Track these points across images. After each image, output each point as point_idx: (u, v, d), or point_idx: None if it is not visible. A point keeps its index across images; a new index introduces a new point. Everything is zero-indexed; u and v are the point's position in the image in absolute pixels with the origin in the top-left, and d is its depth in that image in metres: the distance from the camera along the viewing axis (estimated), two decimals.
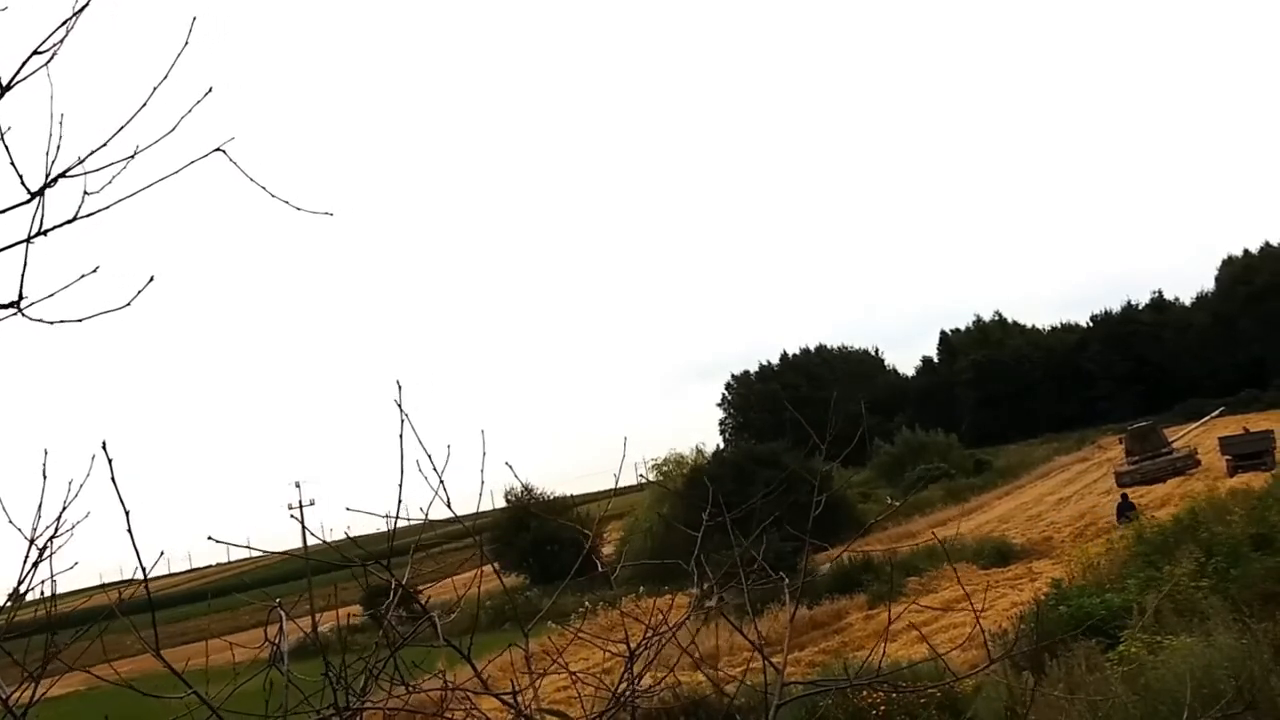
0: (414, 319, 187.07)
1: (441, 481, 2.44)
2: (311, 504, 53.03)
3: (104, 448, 2.10)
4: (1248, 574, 15.99)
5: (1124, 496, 35.53)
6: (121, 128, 1.95)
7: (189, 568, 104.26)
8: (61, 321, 2.00)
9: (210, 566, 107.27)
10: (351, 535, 2.62)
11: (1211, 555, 17.75)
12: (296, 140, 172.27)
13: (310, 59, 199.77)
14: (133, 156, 1.97)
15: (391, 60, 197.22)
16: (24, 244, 1.96)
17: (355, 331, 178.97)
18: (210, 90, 2.00)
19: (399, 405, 2.36)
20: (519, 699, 2.60)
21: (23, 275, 1.95)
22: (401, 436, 2.36)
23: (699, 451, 58.29)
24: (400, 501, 2.39)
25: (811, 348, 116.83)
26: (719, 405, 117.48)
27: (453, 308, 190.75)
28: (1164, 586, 15.63)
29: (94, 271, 1.99)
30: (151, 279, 2.06)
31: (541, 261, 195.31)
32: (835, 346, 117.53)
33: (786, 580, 3.01)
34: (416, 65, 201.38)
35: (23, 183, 1.95)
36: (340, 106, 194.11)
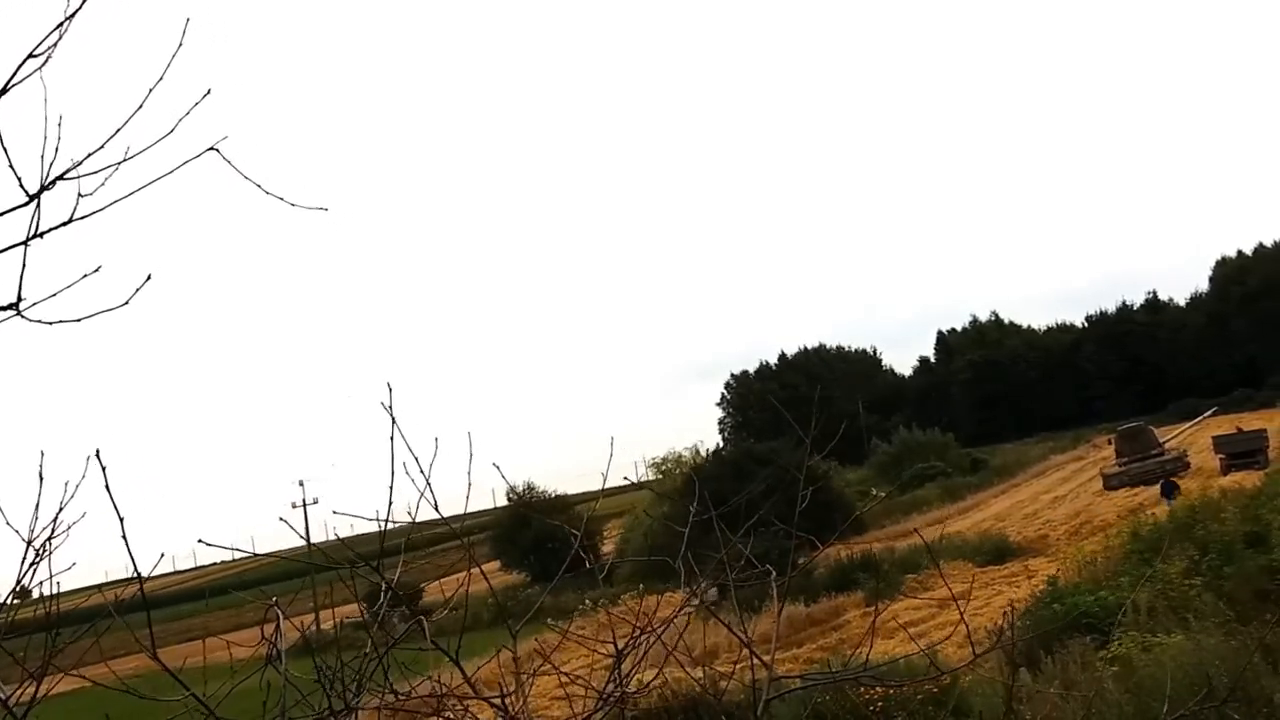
0: (418, 319, 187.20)
1: (428, 484, 2.47)
2: (315, 502, 52.95)
3: (97, 456, 2.09)
4: (1241, 571, 16.07)
5: (1167, 478, 37.33)
6: (119, 129, 1.97)
7: (193, 565, 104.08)
8: (60, 322, 2.01)
9: (214, 564, 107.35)
10: (348, 535, 2.64)
11: (1206, 553, 17.82)
12: (290, 140, 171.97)
13: (304, 55, 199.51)
14: (124, 159, 1.99)
15: (387, 56, 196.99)
16: (22, 246, 1.97)
17: (360, 329, 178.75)
18: (209, 92, 2.01)
19: (389, 408, 2.39)
20: (507, 702, 2.59)
21: (21, 277, 1.97)
22: (392, 439, 2.39)
23: (696, 450, 58.31)
24: (390, 504, 2.42)
25: (811, 348, 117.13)
26: (718, 405, 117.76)
27: (455, 308, 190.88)
28: (1156, 584, 15.70)
29: (96, 271, 1.99)
30: (149, 277, 2.08)
31: (542, 261, 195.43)
32: (834, 346, 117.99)
33: (774, 575, 3.03)
34: (413, 61, 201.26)
35: (21, 185, 1.96)
36: (335, 104, 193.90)
